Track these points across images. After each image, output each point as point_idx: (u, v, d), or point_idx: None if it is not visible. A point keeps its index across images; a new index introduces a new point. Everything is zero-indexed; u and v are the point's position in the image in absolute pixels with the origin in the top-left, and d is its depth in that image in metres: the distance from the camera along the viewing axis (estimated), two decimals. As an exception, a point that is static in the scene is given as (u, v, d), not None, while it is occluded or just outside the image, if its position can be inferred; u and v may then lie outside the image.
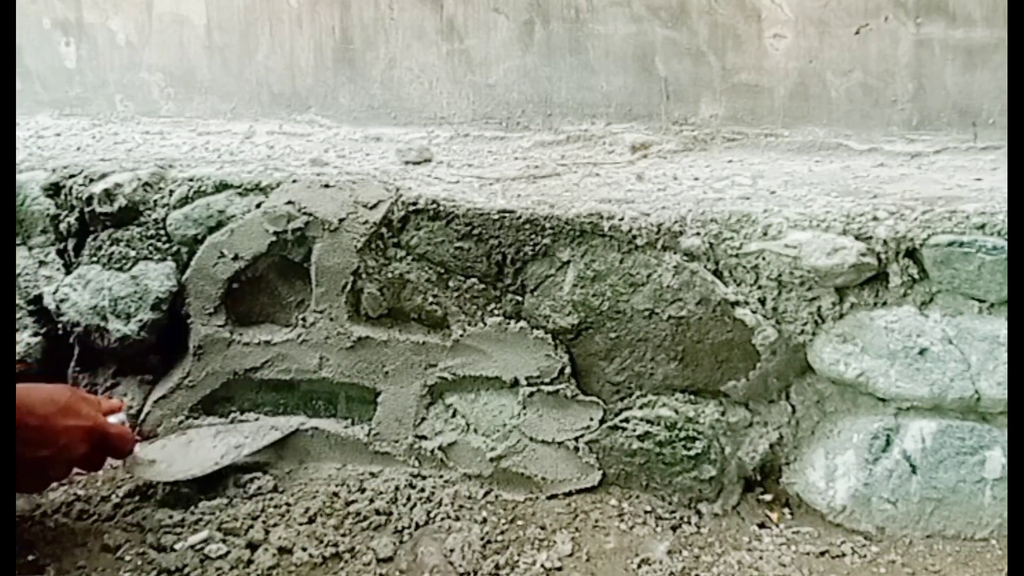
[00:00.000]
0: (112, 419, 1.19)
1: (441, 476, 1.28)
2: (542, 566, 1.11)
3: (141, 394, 1.37)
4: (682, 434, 1.22)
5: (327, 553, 1.13)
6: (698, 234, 1.20)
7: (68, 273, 1.39)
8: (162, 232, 1.36)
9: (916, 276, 1.18)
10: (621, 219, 1.21)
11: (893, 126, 1.50)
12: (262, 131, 1.74)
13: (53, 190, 1.40)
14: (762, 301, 1.21)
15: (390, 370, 1.31)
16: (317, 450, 1.33)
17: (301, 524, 1.18)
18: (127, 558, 1.12)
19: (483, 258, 1.26)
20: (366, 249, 1.28)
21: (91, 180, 1.39)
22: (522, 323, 1.26)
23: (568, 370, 1.26)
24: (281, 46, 1.74)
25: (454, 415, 1.31)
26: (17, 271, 1.37)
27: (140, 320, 1.33)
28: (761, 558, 1.14)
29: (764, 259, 1.19)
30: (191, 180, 1.36)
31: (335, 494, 1.24)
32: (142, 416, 1.34)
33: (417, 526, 1.18)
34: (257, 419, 1.35)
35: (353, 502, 1.22)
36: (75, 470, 1.15)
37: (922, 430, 1.17)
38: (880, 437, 1.19)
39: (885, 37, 1.47)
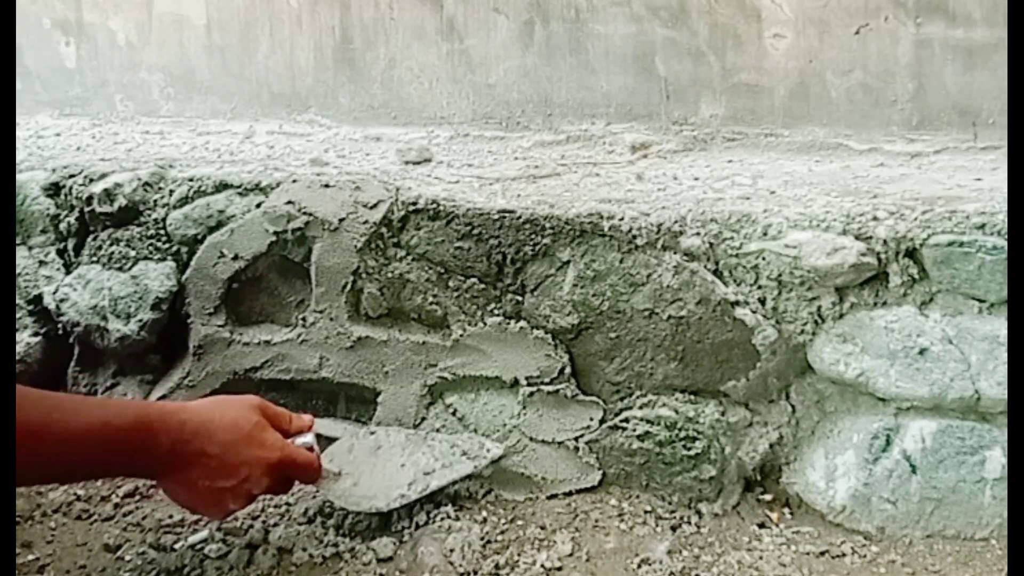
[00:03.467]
0: (300, 440, 1.10)
1: (441, 476, 1.28)
2: (542, 566, 1.11)
3: (141, 394, 1.37)
4: (682, 434, 1.22)
5: (327, 553, 1.13)
6: (698, 234, 1.20)
7: (68, 273, 1.39)
8: (162, 232, 1.36)
9: (916, 276, 1.18)
10: (621, 219, 1.21)
11: (893, 126, 1.50)
12: (262, 131, 1.74)
13: (53, 190, 1.40)
14: (762, 301, 1.21)
15: (390, 370, 1.31)
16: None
17: (301, 524, 1.18)
18: (127, 558, 1.12)
19: (483, 258, 1.26)
20: (366, 249, 1.28)
21: (91, 180, 1.39)
22: (522, 323, 1.26)
23: (568, 370, 1.26)
24: (281, 46, 1.74)
25: (454, 415, 1.31)
26: (17, 271, 1.37)
27: (140, 320, 1.33)
28: (761, 558, 1.13)
29: (764, 259, 1.19)
30: (191, 180, 1.36)
31: (335, 494, 1.24)
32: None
33: (417, 526, 1.18)
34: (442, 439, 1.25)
35: (353, 502, 1.22)
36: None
37: (922, 430, 1.17)
38: (880, 437, 1.18)
39: (885, 37, 1.47)
